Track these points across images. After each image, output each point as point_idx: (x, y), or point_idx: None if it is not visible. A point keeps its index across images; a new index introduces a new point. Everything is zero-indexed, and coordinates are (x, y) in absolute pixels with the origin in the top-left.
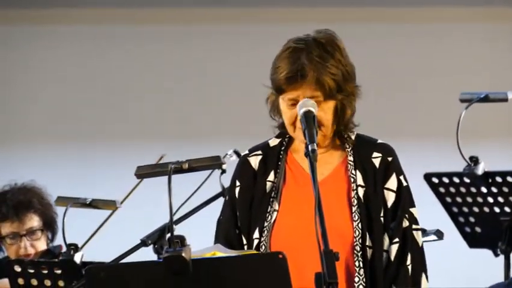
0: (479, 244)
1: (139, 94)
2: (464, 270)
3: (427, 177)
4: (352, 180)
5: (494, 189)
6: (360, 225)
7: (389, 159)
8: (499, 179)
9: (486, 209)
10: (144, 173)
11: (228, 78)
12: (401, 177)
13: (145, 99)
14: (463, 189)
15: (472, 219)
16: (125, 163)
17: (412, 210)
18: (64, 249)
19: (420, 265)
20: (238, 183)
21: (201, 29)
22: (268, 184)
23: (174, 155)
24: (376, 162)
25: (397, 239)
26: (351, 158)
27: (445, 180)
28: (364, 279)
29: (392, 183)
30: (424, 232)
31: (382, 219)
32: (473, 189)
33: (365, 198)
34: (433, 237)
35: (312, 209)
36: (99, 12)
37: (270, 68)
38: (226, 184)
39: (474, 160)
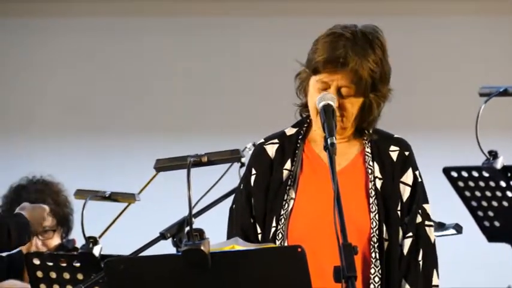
0: (498, 238)
1: (150, 88)
2: (483, 264)
3: (446, 171)
4: (369, 171)
5: None
6: (377, 216)
7: (407, 153)
8: None
9: (505, 203)
10: (163, 166)
11: (245, 73)
12: (417, 173)
13: (158, 92)
14: (481, 184)
15: (490, 213)
16: (140, 155)
17: (425, 206)
18: (77, 243)
19: (432, 261)
20: (254, 171)
21: (217, 22)
22: (285, 172)
23: (186, 148)
24: (394, 155)
25: (410, 234)
26: (369, 150)
27: (464, 174)
28: (380, 271)
29: (408, 177)
30: (443, 226)
31: (398, 212)
32: (492, 184)
33: (382, 190)
34: (452, 231)
35: (330, 198)
36: (115, 4)
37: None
38: None
39: (493, 154)
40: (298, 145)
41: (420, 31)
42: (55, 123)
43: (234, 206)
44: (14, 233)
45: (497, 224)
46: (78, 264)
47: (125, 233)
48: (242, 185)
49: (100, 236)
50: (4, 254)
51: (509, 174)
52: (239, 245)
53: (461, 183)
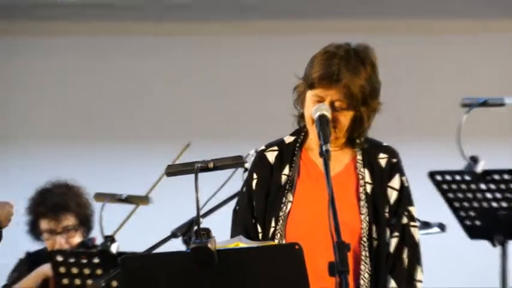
0: (479, 236)
1: (159, 99)
2: (465, 260)
3: (432, 175)
4: (360, 177)
5: (492, 186)
6: (367, 218)
7: (394, 160)
8: (496, 177)
9: (485, 204)
10: (173, 171)
11: (247, 87)
12: (404, 178)
13: (166, 103)
14: (464, 186)
15: (472, 214)
16: (150, 161)
17: (410, 208)
18: (97, 241)
19: (416, 258)
20: (255, 176)
21: (213, 40)
22: (284, 177)
23: (194, 155)
24: (383, 162)
25: (396, 233)
26: (360, 157)
27: (448, 177)
28: (369, 268)
29: (395, 182)
30: (428, 225)
31: (386, 214)
32: (473, 186)
33: (372, 194)
34: (436, 229)
35: (324, 201)
36: (129, 24)
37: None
38: None
39: (474, 159)
40: (295, 152)
41: (410, 47)
42: (79, 134)
43: (237, 207)
44: None
45: (478, 223)
46: (97, 261)
47: (139, 232)
48: (245, 188)
49: (114, 233)
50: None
51: (488, 178)
52: (242, 242)
53: (445, 186)
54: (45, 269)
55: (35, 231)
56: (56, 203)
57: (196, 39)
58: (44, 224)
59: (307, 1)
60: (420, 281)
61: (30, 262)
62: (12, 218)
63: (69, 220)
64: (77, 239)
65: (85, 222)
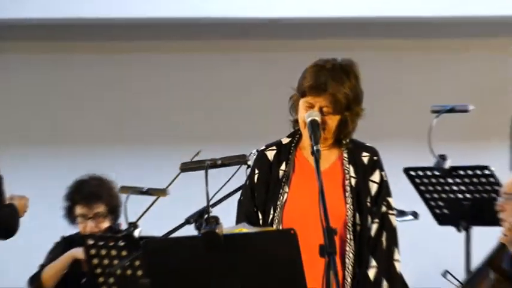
0: (446, 222)
1: (178, 109)
2: (435, 243)
3: (406, 170)
4: (346, 172)
5: (458, 180)
6: (351, 207)
7: (375, 158)
8: (461, 172)
9: (452, 195)
10: (186, 167)
11: (248, 95)
12: (383, 173)
13: (184, 112)
14: (433, 180)
15: (440, 203)
16: (167, 161)
17: (389, 199)
18: (123, 226)
19: (393, 241)
20: (257, 171)
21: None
22: (281, 172)
23: (204, 154)
24: (365, 159)
25: (376, 220)
26: (346, 155)
27: (420, 173)
28: (353, 249)
29: (376, 176)
30: (403, 213)
31: (368, 203)
32: (441, 180)
33: (356, 187)
34: (410, 217)
35: (315, 193)
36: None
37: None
38: None
39: (442, 157)
40: (291, 151)
41: (391, 64)
42: (114, 139)
43: (241, 198)
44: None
45: (445, 211)
46: (122, 244)
47: (158, 220)
48: (248, 182)
49: (137, 221)
50: (66, 235)
51: (455, 173)
52: (245, 228)
53: (417, 180)
54: (75, 252)
55: (70, 216)
56: (90, 192)
57: (207, 56)
58: (78, 210)
59: (302, 26)
60: (398, 260)
61: (64, 245)
62: (27, 210)
63: (100, 208)
64: (105, 224)
65: (113, 211)
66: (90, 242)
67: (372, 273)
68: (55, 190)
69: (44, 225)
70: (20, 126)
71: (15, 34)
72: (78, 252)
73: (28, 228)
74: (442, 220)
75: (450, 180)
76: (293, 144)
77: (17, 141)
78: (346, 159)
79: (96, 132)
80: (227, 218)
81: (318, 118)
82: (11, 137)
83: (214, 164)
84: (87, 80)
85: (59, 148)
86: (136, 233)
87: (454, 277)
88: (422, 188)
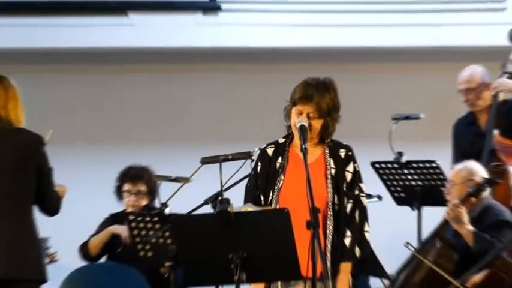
0: (403, 203)
1: (199, 116)
2: (394, 219)
3: (373, 164)
4: (327, 164)
5: (412, 171)
6: (331, 191)
7: (350, 153)
8: (415, 165)
9: (407, 183)
10: (206, 161)
11: (254, 106)
12: (356, 165)
13: (199, 116)
14: (393, 171)
15: (398, 188)
16: (186, 157)
17: (360, 184)
18: (158, 205)
19: (364, 217)
20: (259, 164)
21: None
22: (278, 164)
23: (217, 151)
24: (342, 154)
25: (351, 201)
26: (327, 151)
27: (383, 165)
28: (333, 223)
29: (350, 167)
30: (370, 196)
31: (344, 188)
32: (399, 171)
33: (335, 175)
34: (376, 199)
35: (304, 180)
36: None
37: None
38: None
39: (400, 154)
40: (286, 148)
41: (361, 83)
42: (150, 138)
43: (248, 184)
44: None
45: (402, 195)
46: (156, 219)
47: (183, 201)
48: (253, 172)
49: (167, 201)
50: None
51: (410, 166)
52: (250, 207)
53: (381, 171)
54: (113, 228)
55: (119, 192)
56: (135, 173)
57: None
58: (125, 187)
59: (292, 54)
60: (367, 231)
61: (111, 220)
62: (64, 196)
63: (142, 187)
64: (144, 201)
65: (151, 193)
66: (131, 217)
67: (347, 241)
68: (102, 180)
69: (98, 205)
70: (68, 127)
71: (87, 59)
72: (116, 228)
73: (86, 207)
74: (399, 201)
75: (406, 171)
76: (287, 143)
77: (72, 140)
78: (327, 154)
79: (135, 133)
80: (236, 199)
81: (306, 123)
82: (67, 137)
83: (226, 158)
84: (128, 96)
85: (102, 146)
86: (167, 211)
87: (413, 247)
88: (385, 177)
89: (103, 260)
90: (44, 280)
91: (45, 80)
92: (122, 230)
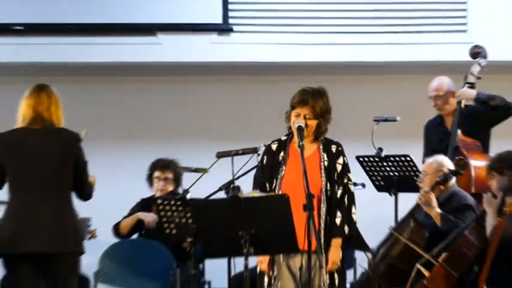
0: (383, 190)
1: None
2: (375, 203)
3: (357, 158)
4: (321, 157)
5: (390, 164)
6: (324, 179)
7: (340, 148)
8: (392, 159)
9: (386, 173)
10: (221, 155)
11: (261, 110)
12: (345, 158)
13: (215, 117)
14: (374, 164)
15: (379, 178)
16: (207, 153)
17: (349, 174)
18: (181, 191)
19: (352, 201)
20: (265, 157)
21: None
22: (280, 157)
23: (231, 147)
24: (334, 149)
25: (341, 187)
26: (321, 147)
27: (366, 159)
28: (326, 207)
29: (340, 160)
30: (355, 184)
31: (335, 177)
32: (380, 164)
33: (328, 167)
34: (360, 186)
35: (301, 171)
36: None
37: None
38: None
39: (380, 149)
40: (287, 144)
41: (349, 90)
42: (181, 136)
43: (255, 174)
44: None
45: (382, 183)
46: (179, 203)
47: (202, 188)
48: (259, 164)
49: (189, 188)
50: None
51: (388, 159)
52: (257, 193)
53: (364, 163)
54: (139, 214)
55: (150, 179)
56: (164, 163)
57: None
58: (156, 174)
59: (292, 67)
60: (354, 213)
61: (141, 205)
62: (94, 185)
63: (170, 175)
64: (170, 187)
65: (176, 180)
66: (159, 201)
67: (338, 220)
68: (136, 170)
69: (131, 191)
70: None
71: (123, 72)
72: (142, 215)
73: (121, 193)
74: (379, 188)
75: (385, 164)
76: (288, 140)
77: (108, 136)
78: (321, 149)
79: (164, 131)
80: (246, 186)
81: (303, 124)
82: (111, 133)
83: (237, 153)
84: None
85: (138, 142)
86: (188, 196)
87: (392, 226)
88: (367, 168)
89: (135, 236)
90: (81, 251)
91: (94, 89)
92: (145, 216)
